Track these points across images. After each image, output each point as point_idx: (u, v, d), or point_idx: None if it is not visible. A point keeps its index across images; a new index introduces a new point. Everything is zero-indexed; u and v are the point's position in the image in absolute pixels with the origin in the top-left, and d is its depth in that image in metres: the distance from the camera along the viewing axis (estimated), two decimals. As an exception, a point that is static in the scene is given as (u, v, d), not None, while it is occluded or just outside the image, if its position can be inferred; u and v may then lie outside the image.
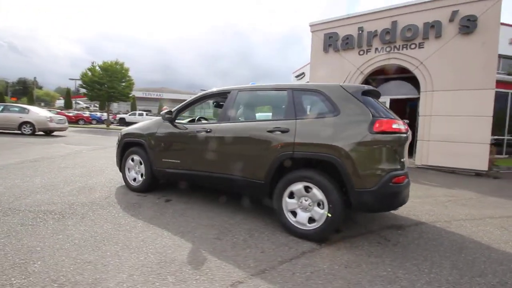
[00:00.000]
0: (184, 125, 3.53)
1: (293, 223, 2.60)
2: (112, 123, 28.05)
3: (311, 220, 2.52)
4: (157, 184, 3.94)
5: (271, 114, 3.38)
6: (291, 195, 2.62)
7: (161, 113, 3.52)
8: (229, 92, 3.28)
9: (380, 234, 2.81)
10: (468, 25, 6.79)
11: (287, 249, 2.35)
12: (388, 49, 8.05)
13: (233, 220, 2.96)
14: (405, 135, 2.45)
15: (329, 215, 2.40)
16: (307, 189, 2.53)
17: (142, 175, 3.82)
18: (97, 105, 42.91)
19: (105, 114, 29.33)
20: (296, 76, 35.87)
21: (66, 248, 2.17)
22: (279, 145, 2.64)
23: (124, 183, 4.12)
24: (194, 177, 3.32)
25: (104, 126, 25.15)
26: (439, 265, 2.21)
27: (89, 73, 22.34)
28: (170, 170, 3.50)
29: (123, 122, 27.87)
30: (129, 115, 29.15)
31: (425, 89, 7.57)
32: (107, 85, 22.26)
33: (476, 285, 1.93)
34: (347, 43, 8.64)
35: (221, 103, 4.22)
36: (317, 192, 2.46)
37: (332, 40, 8.93)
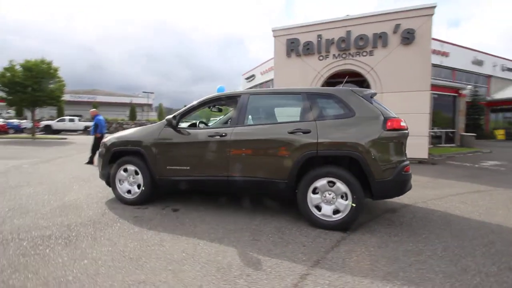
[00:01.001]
0: (192, 130, 3.42)
1: (319, 216, 2.81)
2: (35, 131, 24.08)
3: (335, 211, 2.77)
4: (155, 195, 3.69)
5: (284, 116, 3.52)
6: (315, 191, 2.83)
7: (168, 118, 3.33)
8: (239, 96, 3.31)
9: (384, 218, 3.23)
10: (408, 37, 8.08)
11: (322, 241, 2.54)
12: (344, 55, 8.97)
13: (256, 221, 3.02)
14: (407, 131, 2.90)
15: (353, 205, 2.68)
16: (330, 183, 2.77)
17: (139, 186, 3.55)
18: (10, 111, 35.98)
19: (24, 121, 25.11)
20: (246, 78, 36.53)
21: (104, 272, 1.96)
22: (303, 145, 2.82)
23: (114, 197, 3.75)
24: (207, 182, 3.26)
25: (26, 135, 21.39)
26: (442, 235, 2.69)
27: (8, 74, 18.78)
28: (177, 178, 3.36)
29: (49, 130, 24.22)
30: (57, 121, 25.29)
31: (376, 91, 8.69)
32: (32, 88, 19.03)
33: (475, 246, 2.44)
34: (308, 49, 9.32)
35: (221, 108, 4.23)
36: (341, 186, 2.72)
37: (294, 46, 9.50)
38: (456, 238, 2.63)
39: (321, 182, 2.79)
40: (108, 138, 3.84)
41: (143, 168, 3.49)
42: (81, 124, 25.76)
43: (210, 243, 2.45)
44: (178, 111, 3.50)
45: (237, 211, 3.36)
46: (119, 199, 3.66)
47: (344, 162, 2.85)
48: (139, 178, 3.53)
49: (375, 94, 3.04)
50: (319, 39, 9.16)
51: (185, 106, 3.64)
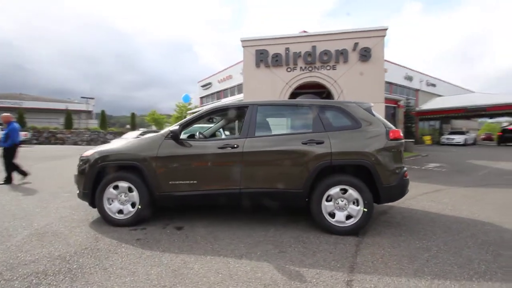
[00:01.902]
0: (197, 142, 3.26)
1: (333, 223, 2.94)
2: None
3: (348, 217, 2.94)
4: (150, 213, 3.39)
5: (288, 126, 3.58)
6: (328, 199, 2.96)
7: (172, 129, 3.10)
8: (246, 107, 3.30)
9: (380, 220, 3.53)
10: (365, 55, 9.06)
11: (343, 246, 2.67)
12: (310, 68, 9.60)
13: (271, 233, 3.01)
14: (404, 140, 3.26)
15: (365, 210, 2.89)
16: (342, 191, 2.94)
17: (133, 205, 3.22)
18: None
19: None
20: (203, 86, 35.91)
21: (142, 306, 1.73)
22: (317, 155, 2.94)
23: (96, 218, 3.35)
24: (217, 196, 3.13)
25: None
26: (435, 232, 3.06)
27: None
28: (181, 193, 3.15)
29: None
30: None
31: (338, 101, 9.51)
32: None
33: (465, 239, 2.85)
34: (277, 60, 9.71)
35: (220, 118, 4.11)
36: (353, 193, 2.91)
37: (263, 57, 9.80)
38: (447, 233, 3.02)
39: (335, 190, 2.94)
40: (91, 153, 3.39)
41: (139, 184, 3.18)
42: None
43: (239, 260, 2.37)
44: (180, 122, 3.31)
45: (245, 224, 3.29)
46: (108, 220, 3.25)
47: (352, 170, 3.05)
48: (134, 195, 3.20)
49: (372, 106, 3.35)
50: (287, 51, 9.64)
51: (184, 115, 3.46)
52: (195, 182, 3.12)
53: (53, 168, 8.84)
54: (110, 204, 3.25)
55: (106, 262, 2.33)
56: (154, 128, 38.72)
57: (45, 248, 2.59)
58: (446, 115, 24.56)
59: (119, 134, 24.69)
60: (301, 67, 9.67)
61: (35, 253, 2.48)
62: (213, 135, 4.40)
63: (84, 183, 3.32)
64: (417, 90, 26.15)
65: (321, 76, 9.55)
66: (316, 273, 2.15)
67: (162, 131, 3.40)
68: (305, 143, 3.00)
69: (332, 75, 9.42)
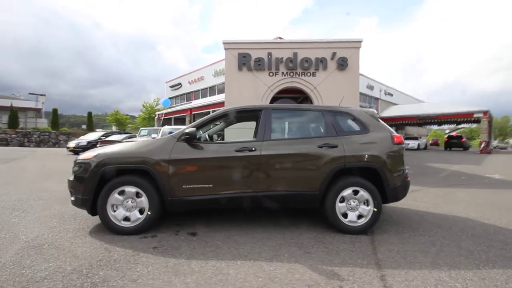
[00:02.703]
0: (211, 145, 3.19)
1: (346, 223, 3.10)
2: None
3: (359, 217, 3.12)
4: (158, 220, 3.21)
5: (301, 130, 3.64)
6: (341, 200, 3.12)
7: (188, 131, 2.99)
8: (260, 110, 3.32)
9: (381, 219, 3.78)
10: (343, 64, 9.65)
11: (360, 245, 2.83)
12: (291, 74, 9.91)
13: (288, 235, 3.06)
14: (404, 145, 3.56)
15: (375, 209, 3.10)
16: (354, 192, 3.12)
17: (142, 211, 3.03)
18: None
19: None
20: (171, 86, 34.68)
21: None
22: (333, 158, 3.08)
23: (94, 227, 3.08)
24: (232, 200, 3.09)
25: None
26: (431, 228, 3.39)
27: None
28: (195, 198, 3.05)
29: None
30: None
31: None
32: None
33: (458, 233, 3.21)
34: (260, 65, 9.84)
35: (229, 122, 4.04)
36: (364, 193, 3.11)
37: (246, 60, 9.86)
38: (441, 229, 3.37)
39: (347, 192, 3.11)
40: (91, 155, 3.12)
41: (149, 189, 3.01)
42: None
43: (271, 263, 2.38)
44: (194, 124, 3.21)
45: (258, 226, 3.30)
46: (112, 229, 3.01)
47: (360, 172, 3.25)
48: (143, 201, 3.02)
49: (376, 113, 3.61)
50: (270, 56, 9.84)
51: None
52: (210, 186, 3.04)
53: (6, 172, 7.82)
54: (115, 211, 3.02)
55: (131, 273, 2.16)
56: (114, 129, 36.09)
57: (51, 262, 2.32)
58: (402, 122, 27.10)
59: (74, 135, 22.36)
60: (282, 72, 9.94)
61: (41, 268, 2.20)
62: (211, 138, 4.33)
63: (83, 189, 3.03)
64: (377, 99, 28.45)
65: (301, 82, 9.92)
66: (350, 271, 2.25)
67: (174, 133, 3.25)
68: (320, 147, 3.12)
69: (312, 82, 9.85)
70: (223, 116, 3.38)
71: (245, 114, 3.67)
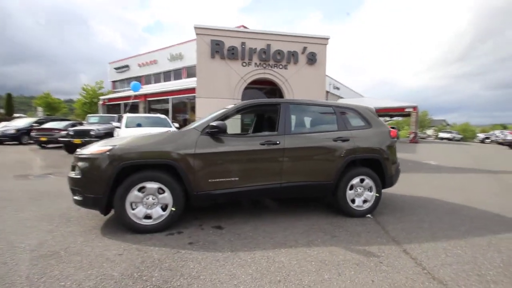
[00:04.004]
0: (235, 138, 3.18)
1: (354, 207, 3.50)
2: None
3: (364, 201, 3.55)
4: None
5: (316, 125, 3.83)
6: (351, 188, 3.49)
7: (214, 123, 2.91)
8: (279, 104, 3.42)
9: (370, 202, 4.33)
10: (312, 58, 10.16)
11: (371, 226, 3.24)
12: (264, 65, 10.03)
13: (308, 222, 3.31)
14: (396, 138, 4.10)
15: (377, 195, 3.57)
16: (361, 180, 3.52)
17: (164, 208, 2.91)
18: None
19: None
20: (116, 68, 31.36)
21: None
22: (346, 150, 3.40)
23: (101, 228, 2.87)
24: (258, 192, 3.18)
25: None
26: (415, 209, 4.04)
27: None
28: (220, 191, 3.05)
29: None
30: None
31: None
32: None
33: (445, 215, 3.91)
34: (233, 53, 9.69)
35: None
36: (369, 181, 3.54)
37: (219, 48, 9.59)
38: (422, 208, 4.03)
39: (356, 180, 3.49)
40: (103, 150, 2.82)
41: (173, 184, 2.89)
42: None
43: (311, 248, 2.59)
44: (215, 116, 3.14)
45: (277, 216, 3.48)
46: (133, 228, 2.83)
47: (365, 163, 3.65)
48: (166, 197, 2.89)
49: (375, 110, 4.05)
50: (243, 46, 9.75)
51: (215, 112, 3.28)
52: (236, 179, 3.07)
53: None
54: (134, 209, 2.83)
55: (188, 271, 2.13)
56: (42, 114, 31.09)
57: (87, 270, 2.11)
58: (348, 114, 29.82)
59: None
60: (255, 63, 9.98)
61: (81, 278, 2.00)
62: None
63: (96, 187, 2.75)
64: (327, 92, 30.60)
65: (274, 74, 10.14)
66: (378, 248, 2.61)
67: (195, 125, 3.14)
68: (335, 140, 3.41)
69: (283, 74, 10.15)
70: (246, 109, 3.39)
71: (263, 108, 3.72)
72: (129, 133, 5.65)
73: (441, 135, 39.88)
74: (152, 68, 26.31)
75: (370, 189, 3.56)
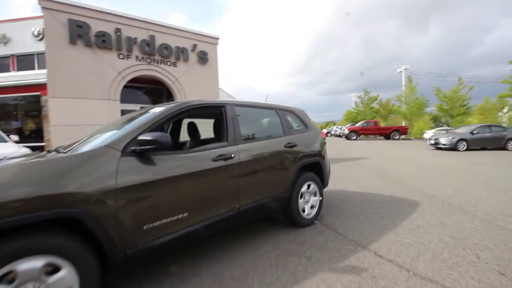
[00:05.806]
0: (176, 155, 2.16)
1: (305, 216, 3.28)
2: None
3: (311, 207, 3.41)
4: None
5: (263, 129, 3.18)
6: (301, 196, 3.25)
7: (145, 138, 1.78)
8: (223, 107, 2.67)
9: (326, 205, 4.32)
10: (203, 57, 9.49)
11: (329, 234, 3.12)
12: (148, 60, 8.43)
13: (273, 246, 2.79)
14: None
15: (321, 198, 3.52)
16: (308, 186, 3.36)
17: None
18: None
19: None
20: None
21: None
22: (297, 157, 3.11)
23: None
24: (213, 226, 2.31)
25: None
26: (356, 205, 4.31)
27: None
28: (165, 238, 2.01)
29: None
30: None
31: (181, 101, 9.22)
32: None
33: (370, 203, 4.33)
34: (104, 41, 7.54)
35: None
36: (314, 186, 3.43)
37: (83, 32, 7.20)
38: (350, 203, 4.33)
39: (304, 187, 3.29)
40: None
41: (78, 251, 1.62)
42: None
43: (304, 282, 2.10)
44: (144, 124, 2.02)
45: (231, 249, 2.74)
46: None
47: (308, 167, 3.50)
48: (65, 278, 1.58)
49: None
50: (119, 33, 7.81)
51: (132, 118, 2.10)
52: (185, 214, 2.11)
53: None
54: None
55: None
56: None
57: None
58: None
59: None
60: (137, 57, 8.16)
61: None
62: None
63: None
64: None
65: (161, 71, 8.68)
66: (356, 259, 2.46)
67: (99, 140, 1.89)
68: (286, 147, 3.05)
69: (173, 72, 8.88)
70: (181, 113, 2.38)
71: (203, 111, 2.80)
72: None
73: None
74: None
75: (315, 194, 3.46)
